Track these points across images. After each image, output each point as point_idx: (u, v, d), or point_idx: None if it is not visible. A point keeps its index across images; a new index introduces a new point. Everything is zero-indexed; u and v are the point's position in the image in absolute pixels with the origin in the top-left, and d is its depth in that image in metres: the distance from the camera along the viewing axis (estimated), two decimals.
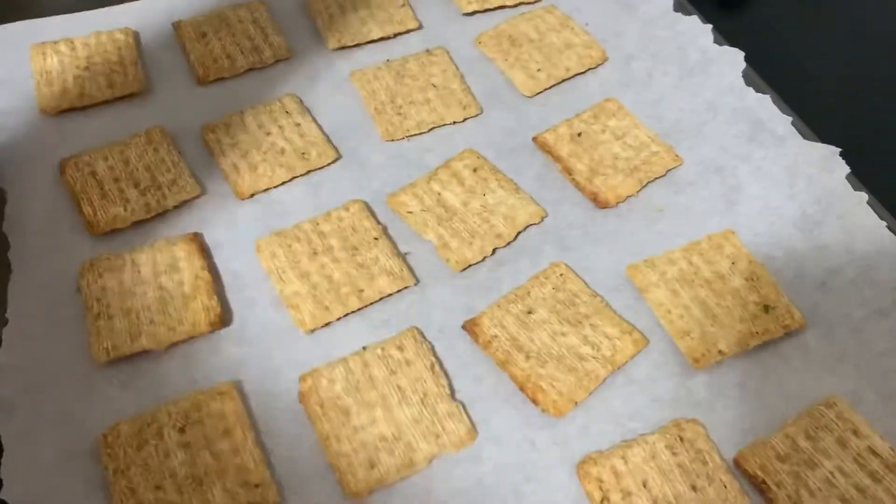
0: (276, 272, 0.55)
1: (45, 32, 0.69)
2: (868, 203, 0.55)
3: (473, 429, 0.48)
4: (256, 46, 0.69)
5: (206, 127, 0.63)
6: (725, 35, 0.68)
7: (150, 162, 0.61)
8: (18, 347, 0.51)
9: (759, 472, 0.46)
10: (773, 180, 0.59)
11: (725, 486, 0.46)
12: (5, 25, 0.70)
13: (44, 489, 0.46)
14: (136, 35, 0.70)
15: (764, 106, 0.62)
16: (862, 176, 0.57)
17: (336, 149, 0.62)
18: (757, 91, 0.63)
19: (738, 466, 0.47)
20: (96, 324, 0.52)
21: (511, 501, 0.46)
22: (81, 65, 0.67)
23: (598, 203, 0.59)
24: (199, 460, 0.46)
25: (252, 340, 0.52)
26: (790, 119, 0.60)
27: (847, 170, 0.57)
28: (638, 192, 0.59)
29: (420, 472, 0.47)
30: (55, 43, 0.68)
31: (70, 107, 0.64)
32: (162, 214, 0.58)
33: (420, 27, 0.71)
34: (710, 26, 0.67)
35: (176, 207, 0.59)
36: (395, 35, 0.71)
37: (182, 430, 0.47)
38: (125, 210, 0.58)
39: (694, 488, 0.46)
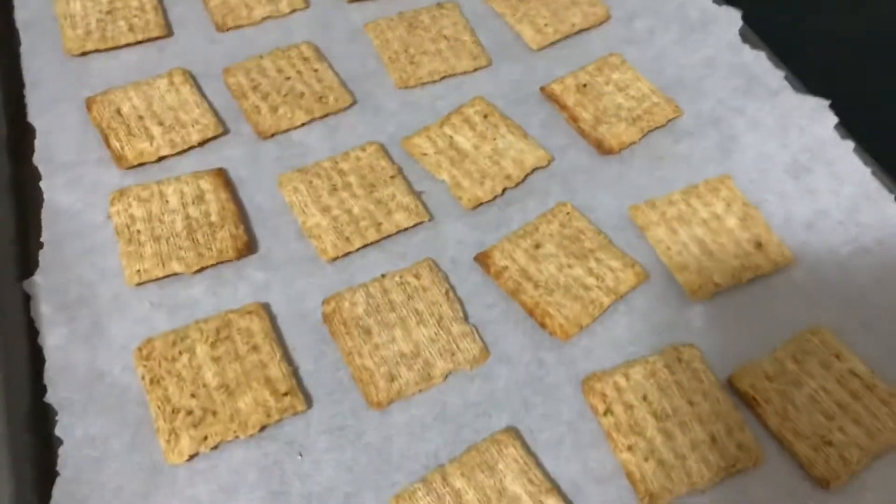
0: (299, 205, 0.57)
1: None
2: (854, 151, 0.59)
3: (486, 349, 0.52)
4: None
5: (228, 70, 0.66)
6: None
7: (173, 102, 0.63)
8: (54, 269, 0.53)
9: (750, 390, 0.50)
10: (766, 131, 0.62)
11: (719, 402, 0.49)
12: None
13: (81, 396, 0.49)
14: None
15: (759, 62, 0.65)
16: (849, 126, 0.61)
17: (352, 94, 0.65)
18: (753, 48, 0.66)
19: (730, 385, 0.51)
20: (127, 249, 0.54)
21: (521, 413, 0.49)
22: (103, 9, 0.69)
23: (602, 149, 0.62)
24: (230, 372, 0.49)
25: (277, 267, 0.55)
26: (783, 74, 0.64)
27: (835, 120, 0.61)
28: (640, 139, 0.63)
29: (437, 386, 0.50)
30: None
31: (94, 49, 0.67)
32: (186, 151, 0.61)
33: None
34: None
35: (200, 145, 0.61)
36: None
37: (213, 345, 0.50)
38: (151, 145, 0.60)
39: (690, 403, 0.49)
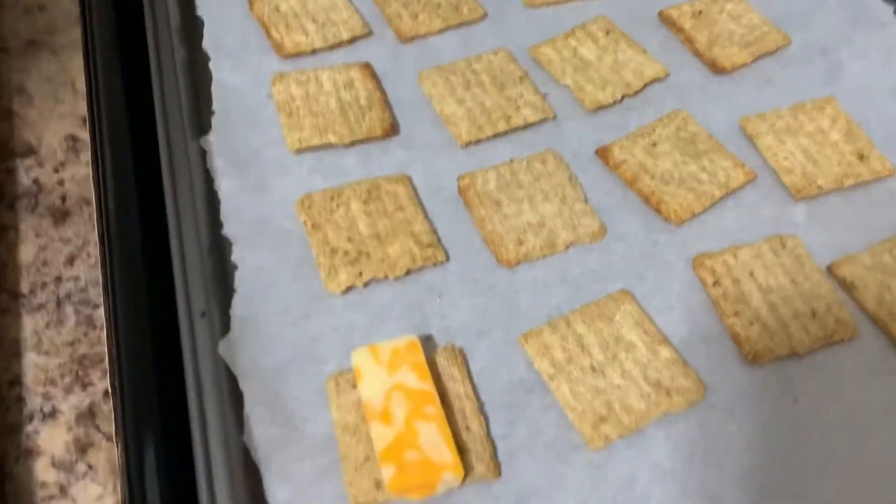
0: (437, 97, 0.64)
1: None
2: None
3: (604, 226, 0.57)
4: None
5: None
6: None
7: (324, 3, 0.70)
8: (225, 132, 0.61)
9: (849, 276, 0.54)
10: (871, 60, 0.66)
11: (820, 284, 0.54)
12: None
13: (251, 233, 0.55)
14: None
15: None
16: None
17: (484, 7, 0.71)
18: None
19: (830, 273, 0.55)
20: (288, 121, 0.61)
21: (635, 282, 0.55)
22: None
23: (716, 68, 0.67)
24: (380, 224, 0.56)
25: (417, 148, 0.62)
26: (892, 8, 0.68)
27: None
28: (751, 62, 0.67)
29: (559, 254, 0.56)
30: None
31: None
32: (336, 47, 0.68)
33: None
34: None
35: (348, 42, 0.68)
36: None
37: (366, 202, 0.57)
38: (306, 38, 0.67)
39: (793, 282, 0.54)
